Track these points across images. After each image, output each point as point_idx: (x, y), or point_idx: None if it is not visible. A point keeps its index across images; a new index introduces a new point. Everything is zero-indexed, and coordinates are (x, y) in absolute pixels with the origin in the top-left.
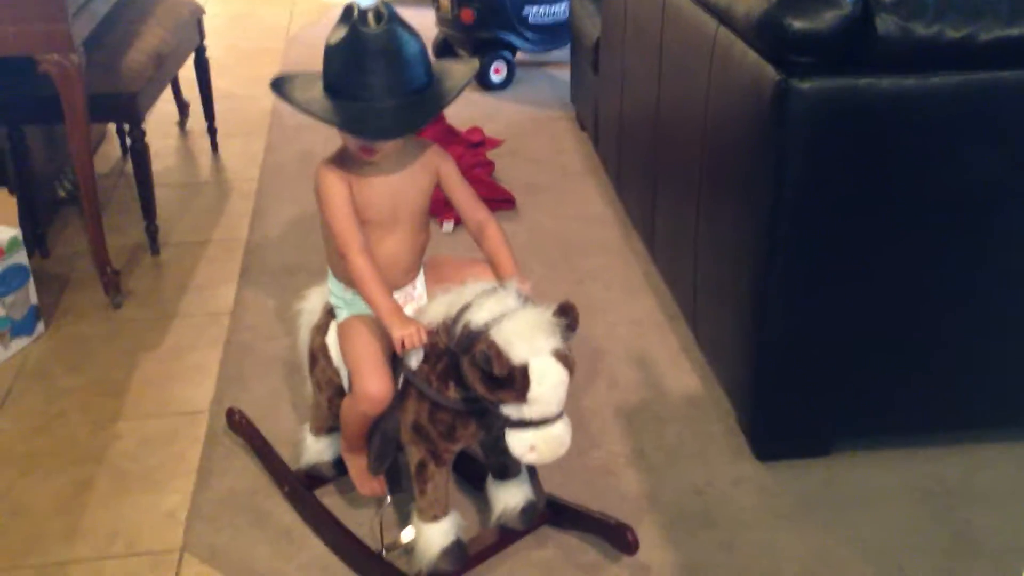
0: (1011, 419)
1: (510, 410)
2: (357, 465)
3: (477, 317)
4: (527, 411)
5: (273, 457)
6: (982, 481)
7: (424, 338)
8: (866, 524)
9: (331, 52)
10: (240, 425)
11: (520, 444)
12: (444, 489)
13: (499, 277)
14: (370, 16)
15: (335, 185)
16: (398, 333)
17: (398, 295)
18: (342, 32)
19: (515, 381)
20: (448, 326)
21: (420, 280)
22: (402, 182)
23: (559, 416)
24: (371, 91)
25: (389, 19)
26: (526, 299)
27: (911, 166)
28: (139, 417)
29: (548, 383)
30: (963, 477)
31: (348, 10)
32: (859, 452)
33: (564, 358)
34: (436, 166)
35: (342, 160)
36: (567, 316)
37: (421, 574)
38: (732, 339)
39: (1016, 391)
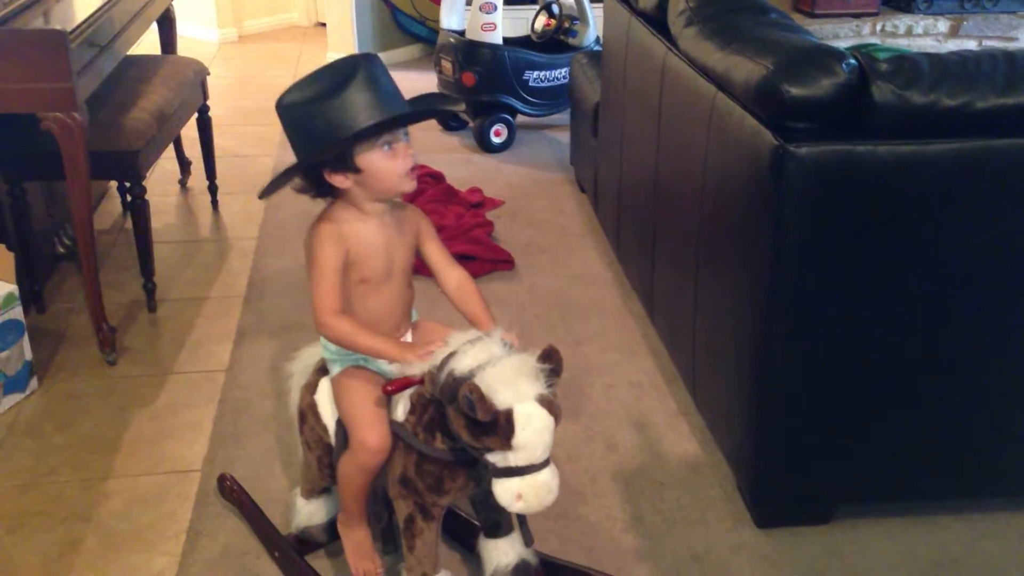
0: (1015, 488)
1: (496, 458)
2: (354, 540)
3: (462, 364)
4: (513, 458)
5: (264, 523)
6: (986, 551)
7: (435, 346)
8: None
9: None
10: (231, 491)
11: (507, 493)
12: (434, 546)
13: (478, 329)
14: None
15: (330, 246)
16: (411, 355)
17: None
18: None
19: (499, 427)
20: (433, 375)
21: (409, 336)
22: (393, 239)
23: (546, 463)
24: (376, 104)
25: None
26: (511, 347)
27: (909, 231)
28: (130, 475)
29: (533, 428)
30: (967, 547)
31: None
32: (861, 520)
33: (549, 403)
34: (417, 224)
35: (336, 221)
36: (551, 361)
37: None
38: (732, 403)
39: (1020, 460)
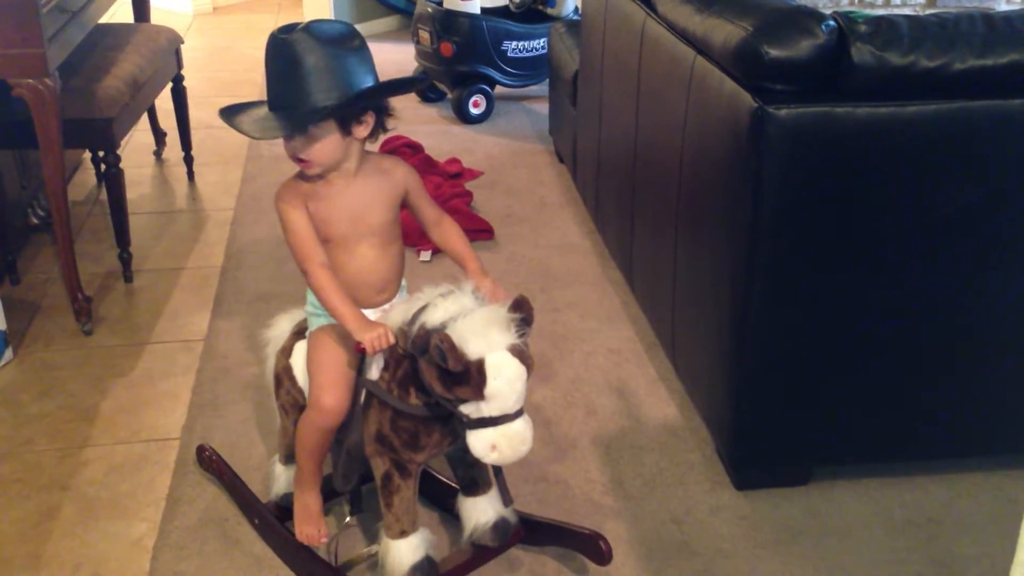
0: (991, 447)
1: (469, 409)
2: (303, 503)
3: (433, 317)
4: (485, 408)
5: (244, 491)
6: (963, 510)
7: (392, 338)
8: (846, 553)
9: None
10: (210, 461)
11: (481, 443)
12: (411, 503)
13: (467, 271)
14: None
15: (289, 205)
16: (367, 336)
17: (373, 314)
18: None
19: (471, 377)
20: (405, 329)
21: (399, 300)
22: (363, 197)
23: (519, 413)
24: (271, 96)
25: (302, 29)
26: (483, 300)
27: (887, 193)
28: (108, 444)
29: (504, 378)
30: (944, 506)
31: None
32: (838, 481)
33: (520, 353)
34: (403, 183)
35: (297, 182)
36: (522, 311)
37: None
38: (710, 368)
39: (996, 419)
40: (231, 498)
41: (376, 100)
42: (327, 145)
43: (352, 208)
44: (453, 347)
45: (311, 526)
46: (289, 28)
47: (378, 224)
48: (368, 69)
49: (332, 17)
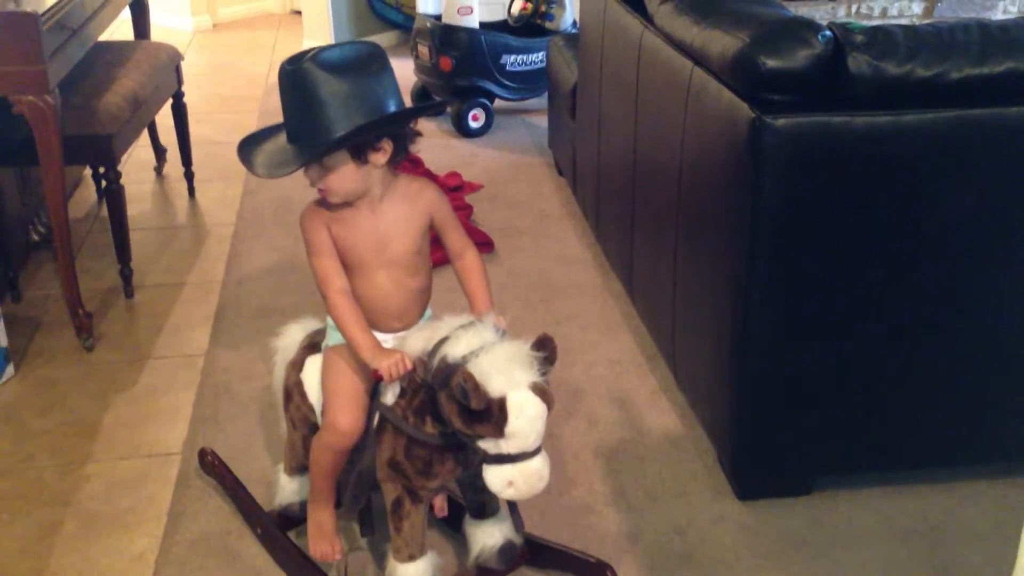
0: (992, 456)
1: (487, 445)
2: (317, 521)
3: (454, 350)
4: (505, 445)
5: (246, 498)
6: (965, 518)
7: (408, 364)
8: (849, 563)
9: None
10: (212, 466)
11: (498, 480)
12: (421, 528)
13: (474, 311)
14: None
15: (313, 227)
16: (384, 364)
17: (390, 341)
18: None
19: (492, 415)
20: (425, 360)
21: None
22: (387, 223)
23: (537, 451)
24: (287, 127)
25: (310, 59)
26: (504, 333)
27: (885, 201)
28: (110, 459)
29: (526, 417)
30: (946, 515)
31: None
32: (841, 491)
33: (542, 392)
34: (429, 209)
35: (326, 202)
36: (545, 349)
37: None
38: (711, 378)
39: (997, 427)
40: (233, 505)
41: (384, 130)
42: (342, 175)
43: (375, 236)
44: (477, 387)
45: (326, 543)
46: (297, 58)
47: (400, 255)
48: (385, 93)
49: (332, 32)
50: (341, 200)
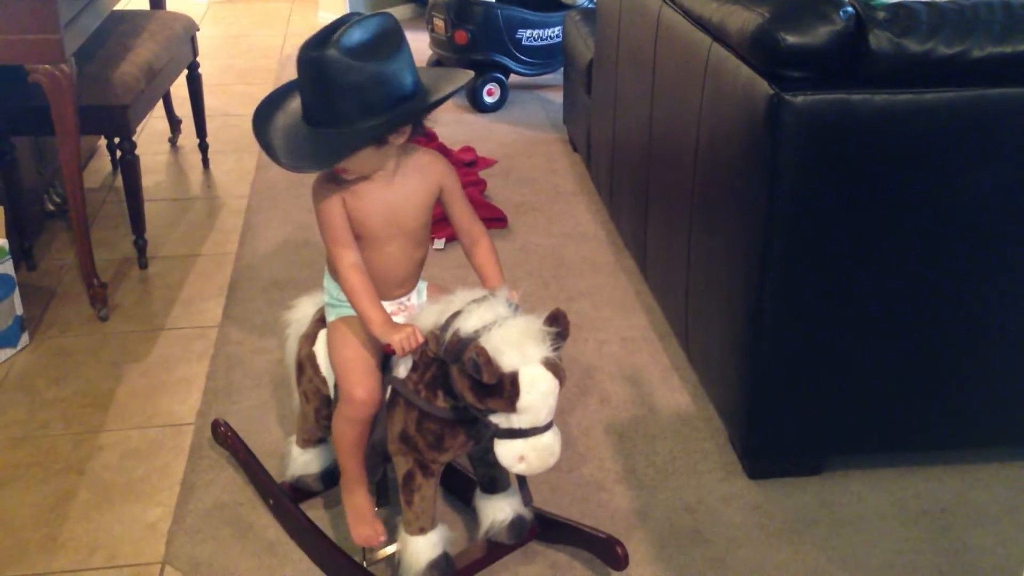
0: (1005, 438)
1: (499, 419)
2: (354, 504)
3: (467, 324)
4: (516, 420)
5: (258, 470)
6: (976, 500)
7: (420, 338)
8: (860, 543)
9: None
10: (225, 437)
11: (509, 454)
12: (432, 501)
13: (487, 285)
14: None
15: (326, 201)
16: (395, 337)
17: (392, 306)
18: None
19: (504, 389)
20: (437, 334)
21: (416, 293)
22: (399, 196)
23: (549, 426)
24: (306, 107)
25: (333, 44)
26: (517, 307)
27: (904, 181)
28: (123, 429)
29: (538, 392)
30: (957, 496)
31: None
32: (851, 471)
33: (554, 367)
34: (439, 181)
35: (336, 175)
36: (558, 324)
37: None
38: (724, 357)
39: (1010, 409)
40: (245, 476)
41: (410, 119)
42: (363, 157)
43: (387, 209)
44: (489, 361)
45: (367, 527)
46: (317, 43)
47: (412, 226)
48: (406, 72)
49: (347, 4)
50: (355, 176)
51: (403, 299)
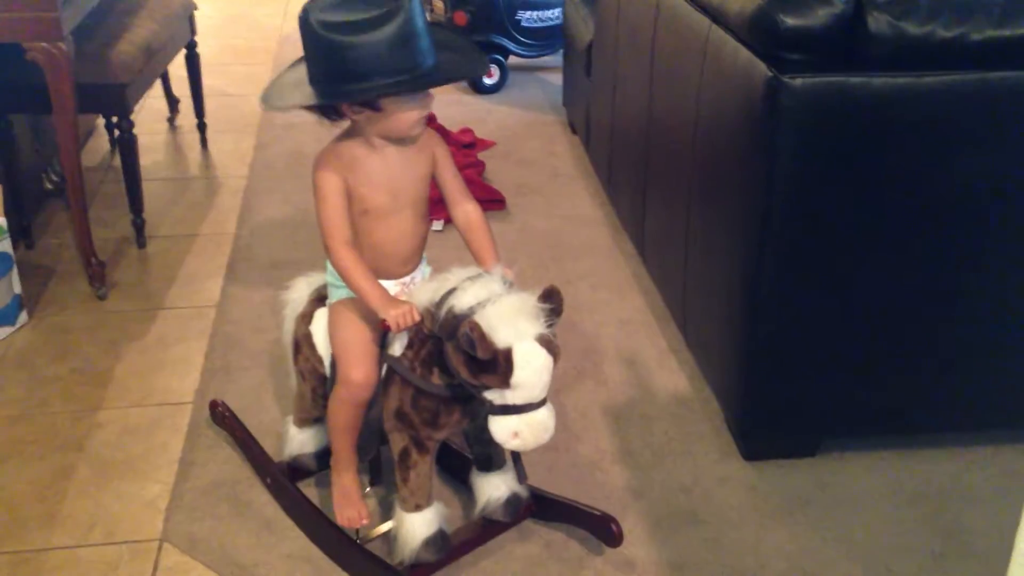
0: (1000, 421)
1: (493, 395)
2: (341, 486)
3: (462, 301)
4: (511, 396)
5: (256, 449)
6: (971, 483)
7: (417, 316)
8: (854, 524)
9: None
10: (223, 417)
11: (503, 430)
12: (427, 478)
13: (481, 263)
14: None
15: (328, 177)
16: (392, 313)
17: (396, 286)
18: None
19: (498, 365)
20: (432, 311)
21: (420, 272)
22: (400, 170)
23: (543, 402)
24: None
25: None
26: (511, 285)
27: (903, 164)
28: (122, 407)
29: (532, 367)
30: (952, 479)
31: None
32: (847, 453)
33: (548, 343)
34: (432, 151)
35: (338, 153)
36: (552, 300)
37: (403, 564)
38: (721, 339)
39: (1005, 393)
40: (243, 455)
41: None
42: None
43: (391, 181)
44: (483, 336)
45: (351, 508)
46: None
47: (414, 199)
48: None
49: None
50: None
51: (407, 278)
